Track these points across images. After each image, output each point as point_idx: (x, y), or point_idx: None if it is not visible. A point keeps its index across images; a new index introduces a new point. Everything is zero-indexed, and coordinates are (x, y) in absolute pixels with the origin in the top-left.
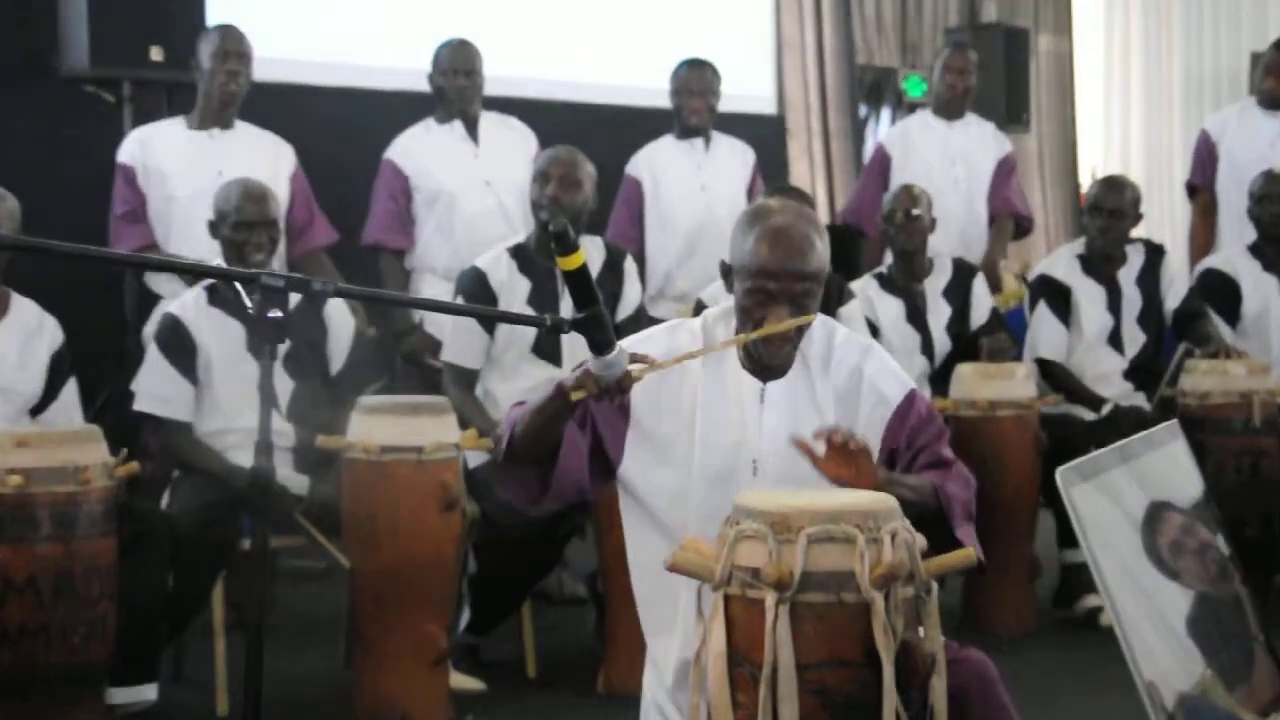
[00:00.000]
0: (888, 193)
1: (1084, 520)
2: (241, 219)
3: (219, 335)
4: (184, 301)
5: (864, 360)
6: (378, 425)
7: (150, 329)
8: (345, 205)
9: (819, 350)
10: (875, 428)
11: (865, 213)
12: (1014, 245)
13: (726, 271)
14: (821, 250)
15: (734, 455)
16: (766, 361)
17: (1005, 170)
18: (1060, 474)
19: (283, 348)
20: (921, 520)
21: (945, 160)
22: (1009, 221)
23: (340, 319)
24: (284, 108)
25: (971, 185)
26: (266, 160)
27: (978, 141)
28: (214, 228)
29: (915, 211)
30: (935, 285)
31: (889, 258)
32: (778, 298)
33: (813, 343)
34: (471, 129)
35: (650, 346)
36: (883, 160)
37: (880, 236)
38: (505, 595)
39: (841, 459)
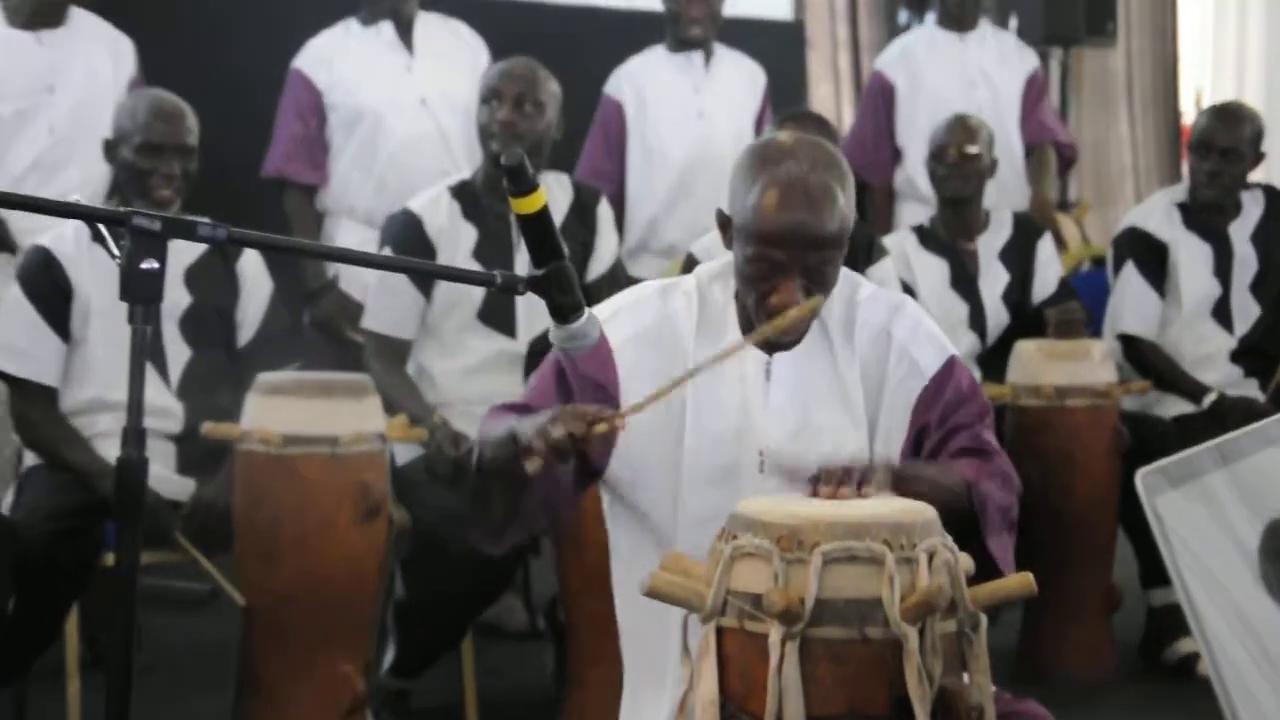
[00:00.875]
0: (938, 125)
1: (1172, 538)
2: (147, 141)
3: (102, 281)
4: (61, 234)
5: (893, 320)
6: (280, 409)
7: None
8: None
9: (840, 311)
10: (903, 405)
11: (866, 158)
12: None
13: (724, 224)
14: (845, 205)
15: (735, 447)
16: (774, 340)
17: (1037, 90)
18: (1141, 478)
19: (181, 306)
20: (944, 523)
21: (963, 83)
22: (1051, 152)
23: (256, 278)
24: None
25: (999, 112)
26: (105, 61)
27: (999, 57)
28: (110, 150)
29: (972, 149)
30: (990, 244)
31: (909, 211)
32: (788, 270)
33: (832, 301)
34: (405, 33)
35: (635, 315)
36: (884, 90)
37: (886, 189)
38: (441, 627)
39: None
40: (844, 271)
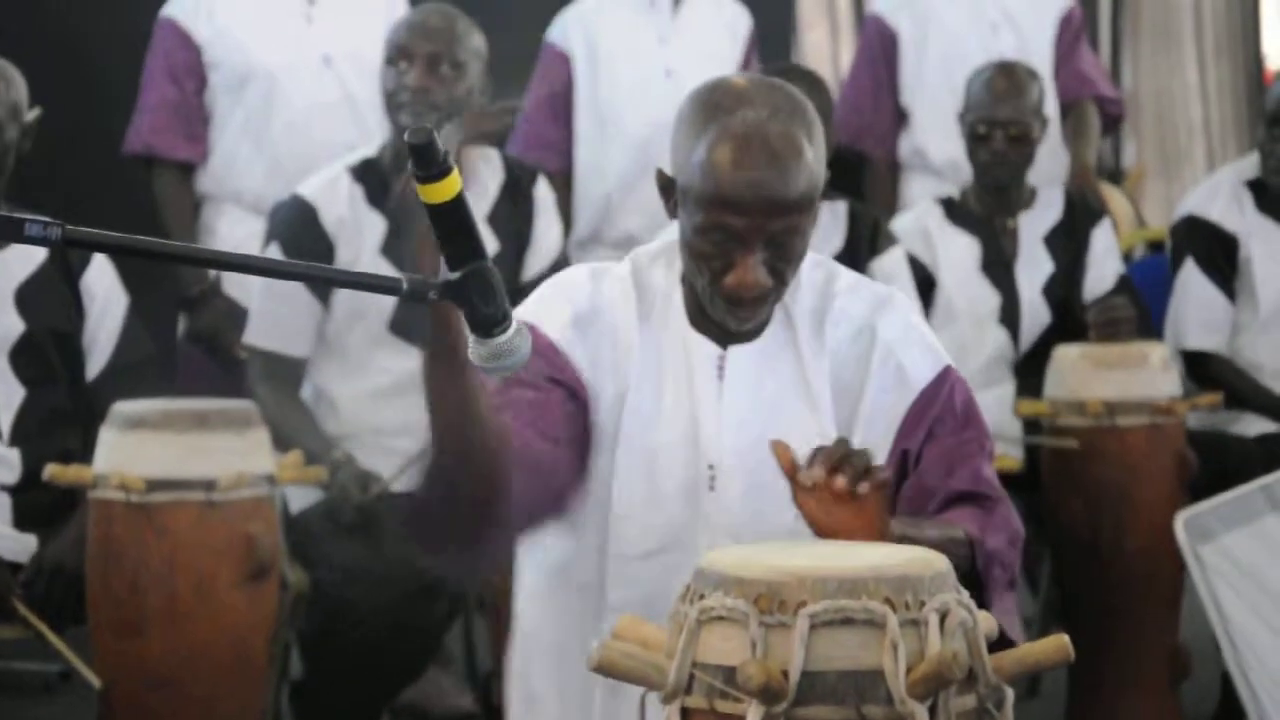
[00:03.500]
0: (974, 78)
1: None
2: None
3: None
4: None
5: (878, 315)
6: (142, 447)
7: None
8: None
9: (810, 300)
10: (885, 420)
11: (864, 123)
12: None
13: (666, 188)
14: (813, 160)
15: (679, 459)
16: (734, 326)
17: (1072, 33)
18: (1181, 524)
19: (12, 335)
20: None
21: (983, 27)
22: (1092, 109)
23: (106, 293)
24: None
25: (1027, 60)
26: None
27: None
28: None
29: (1024, 124)
30: (1034, 225)
31: (917, 185)
32: (747, 241)
33: (800, 288)
34: None
35: (566, 299)
36: (884, 39)
37: (888, 159)
38: (349, 713)
39: (837, 497)
40: (820, 259)
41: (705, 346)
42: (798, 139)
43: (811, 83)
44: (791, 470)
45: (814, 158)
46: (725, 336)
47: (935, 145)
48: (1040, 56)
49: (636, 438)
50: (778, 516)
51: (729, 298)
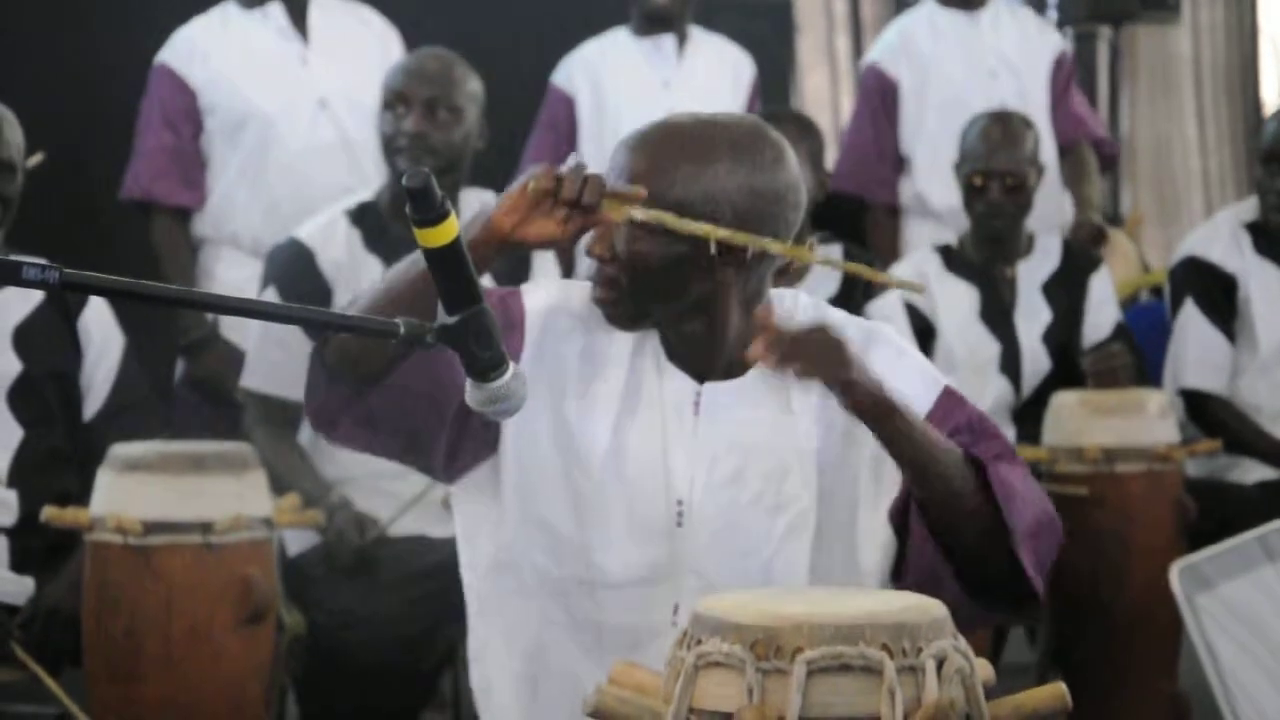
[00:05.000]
0: (969, 128)
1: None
2: None
3: None
4: None
5: (869, 348)
6: (139, 490)
7: None
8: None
9: None
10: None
11: (867, 173)
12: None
13: None
14: (709, 180)
15: (648, 493)
16: (604, 311)
17: (1065, 76)
18: (1176, 573)
19: (10, 375)
20: (951, 526)
21: (981, 73)
22: (1089, 150)
23: (103, 334)
24: None
25: (1027, 107)
26: None
27: (1019, 38)
28: None
29: (1019, 175)
30: (1033, 273)
31: (917, 231)
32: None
33: (787, 322)
34: (298, 18)
35: (551, 294)
36: (883, 88)
37: (889, 205)
38: None
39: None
40: (811, 299)
41: (680, 381)
42: (691, 149)
43: (803, 126)
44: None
45: (695, 183)
46: (702, 372)
47: (936, 192)
48: (1037, 101)
49: (607, 464)
50: (749, 558)
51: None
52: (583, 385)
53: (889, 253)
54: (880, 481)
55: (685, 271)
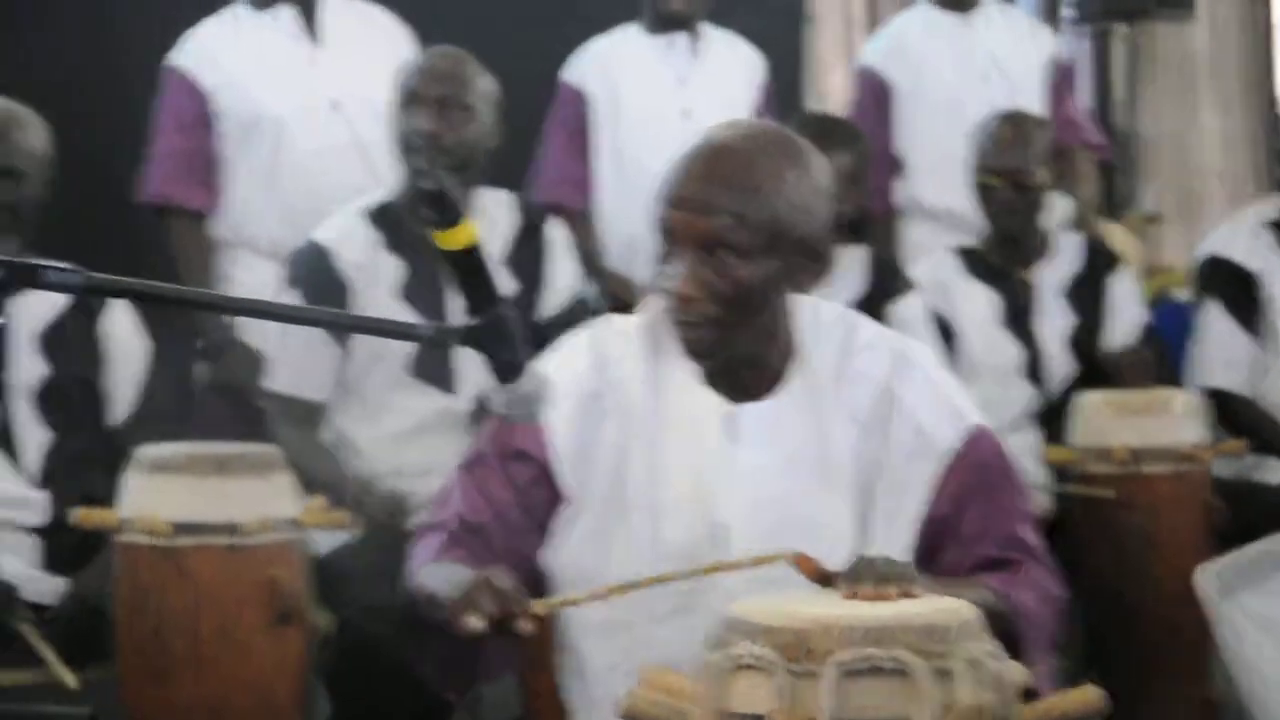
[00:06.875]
0: (980, 130)
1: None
2: None
3: None
4: None
5: (898, 376)
6: (168, 490)
7: None
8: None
9: (831, 357)
10: (910, 489)
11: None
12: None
13: None
14: (789, 189)
15: (685, 517)
16: (685, 348)
17: (1060, 78)
18: (1203, 577)
19: (36, 378)
20: None
21: (973, 76)
22: (1083, 155)
23: (126, 338)
24: None
25: (1017, 107)
26: None
27: (1012, 39)
28: None
29: (1032, 173)
30: (1052, 275)
31: (915, 232)
32: (683, 241)
33: (820, 341)
34: (308, 19)
35: (562, 365)
36: (877, 90)
37: (883, 206)
38: None
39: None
40: (842, 311)
41: (714, 402)
42: (765, 163)
43: (847, 133)
44: (819, 580)
45: (790, 187)
46: (736, 394)
47: (931, 192)
48: (1029, 103)
49: (640, 495)
50: (791, 579)
51: (677, 317)
52: (620, 428)
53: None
54: (904, 494)
55: (777, 286)
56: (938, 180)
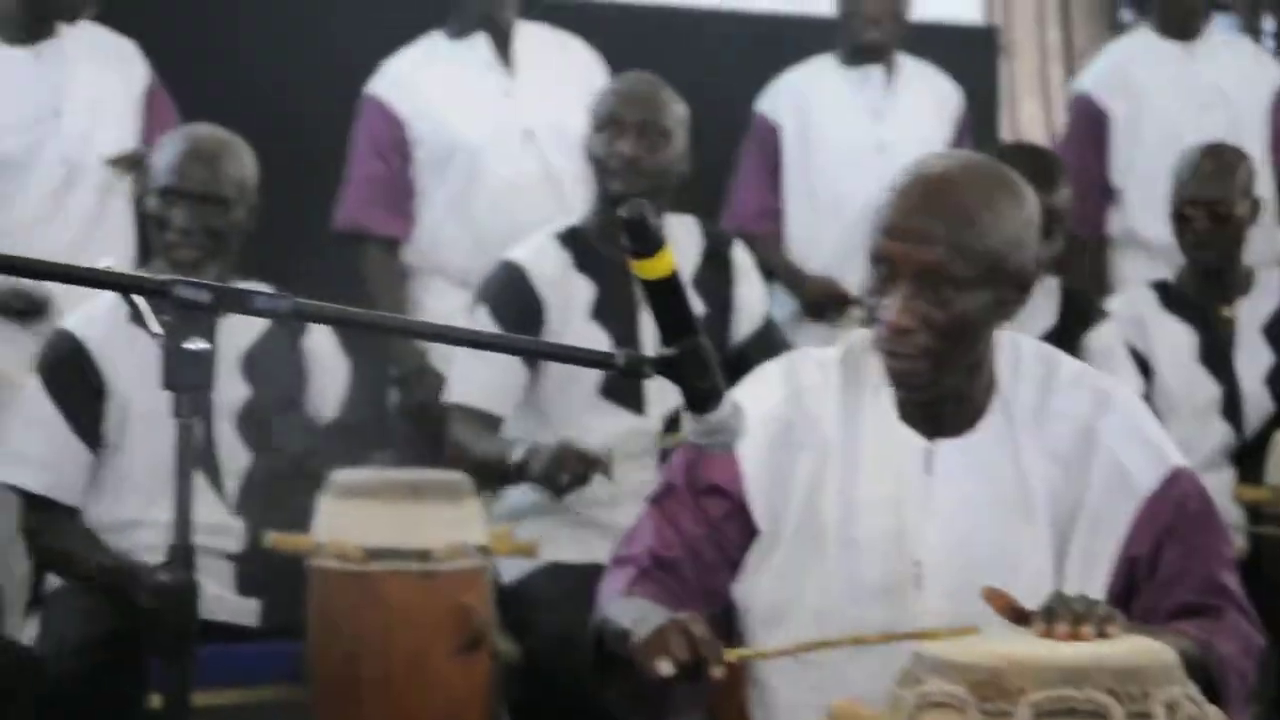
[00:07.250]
0: (1181, 160)
1: None
2: (167, 185)
3: (144, 375)
4: (90, 315)
5: (1099, 415)
6: (360, 516)
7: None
8: None
9: (1030, 395)
10: (1108, 529)
11: (1076, 207)
12: None
13: None
14: (1004, 221)
15: (881, 554)
16: (891, 380)
17: None
18: None
19: (238, 401)
20: None
21: (1193, 106)
22: None
23: (329, 357)
24: None
25: (1240, 140)
26: (111, 76)
27: (1237, 70)
28: (139, 201)
29: (1229, 206)
30: (1253, 311)
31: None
32: (900, 272)
33: (1021, 378)
34: (503, 47)
35: (756, 396)
36: (1093, 119)
37: (1094, 237)
38: None
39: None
40: (1039, 345)
41: (911, 439)
42: (979, 195)
43: (1046, 162)
44: (1014, 617)
45: (1008, 219)
46: (934, 429)
47: (1149, 225)
48: (1252, 134)
49: (836, 530)
50: (986, 617)
51: (885, 347)
52: (815, 460)
53: (1097, 286)
54: (1102, 533)
55: (989, 319)
56: (1153, 211)
